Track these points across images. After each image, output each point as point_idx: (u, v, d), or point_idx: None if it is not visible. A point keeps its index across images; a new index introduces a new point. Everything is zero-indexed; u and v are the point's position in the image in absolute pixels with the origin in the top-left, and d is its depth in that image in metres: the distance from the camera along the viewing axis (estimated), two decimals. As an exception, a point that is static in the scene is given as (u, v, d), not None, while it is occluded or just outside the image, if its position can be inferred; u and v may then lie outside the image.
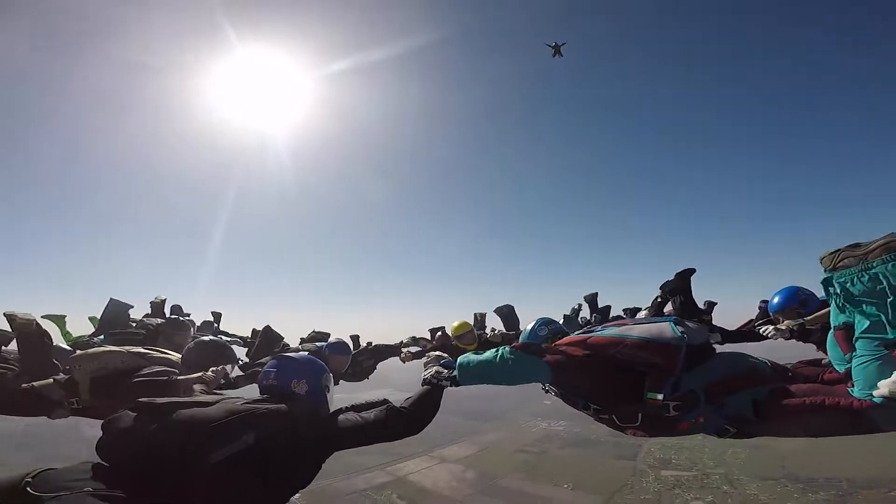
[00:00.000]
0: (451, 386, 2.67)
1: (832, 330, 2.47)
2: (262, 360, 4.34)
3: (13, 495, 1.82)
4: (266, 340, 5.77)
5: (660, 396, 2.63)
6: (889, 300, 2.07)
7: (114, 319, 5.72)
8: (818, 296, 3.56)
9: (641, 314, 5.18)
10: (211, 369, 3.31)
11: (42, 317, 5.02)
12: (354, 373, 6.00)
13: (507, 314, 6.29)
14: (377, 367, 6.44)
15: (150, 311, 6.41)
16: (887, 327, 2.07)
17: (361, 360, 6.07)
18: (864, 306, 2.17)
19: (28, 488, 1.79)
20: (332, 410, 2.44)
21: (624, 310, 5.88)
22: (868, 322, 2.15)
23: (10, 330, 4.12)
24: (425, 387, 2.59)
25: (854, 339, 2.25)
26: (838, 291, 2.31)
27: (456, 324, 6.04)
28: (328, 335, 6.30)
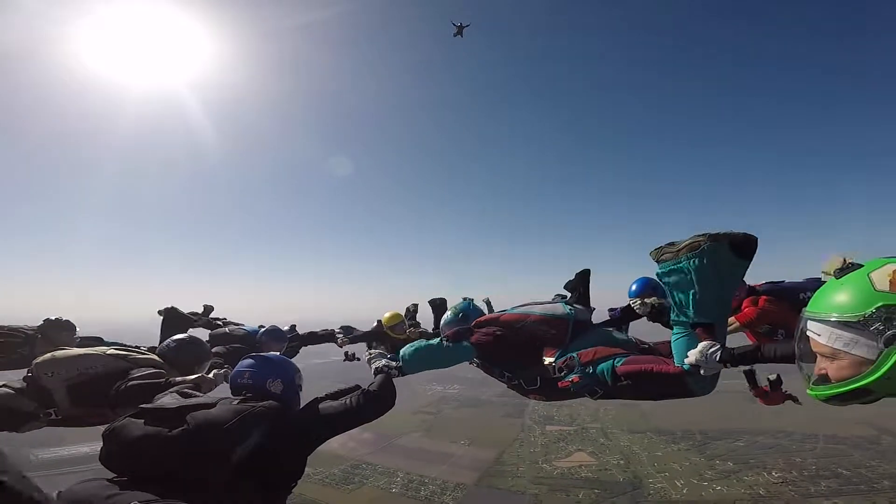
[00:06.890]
0: (399, 375, 3.08)
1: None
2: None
3: None
4: (170, 322, 5.75)
5: (551, 360, 3.31)
6: (692, 291, 2.52)
7: None
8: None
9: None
10: (213, 372, 3.27)
11: None
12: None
13: (438, 306, 6.49)
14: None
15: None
16: (690, 311, 2.55)
17: (294, 345, 6.28)
18: (675, 294, 2.64)
19: None
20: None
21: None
22: (677, 306, 2.66)
23: None
24: (380, 375, 2.84)
25: (671, 321, 2.75)
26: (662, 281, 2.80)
27: (388, 314, 6.54)
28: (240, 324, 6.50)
